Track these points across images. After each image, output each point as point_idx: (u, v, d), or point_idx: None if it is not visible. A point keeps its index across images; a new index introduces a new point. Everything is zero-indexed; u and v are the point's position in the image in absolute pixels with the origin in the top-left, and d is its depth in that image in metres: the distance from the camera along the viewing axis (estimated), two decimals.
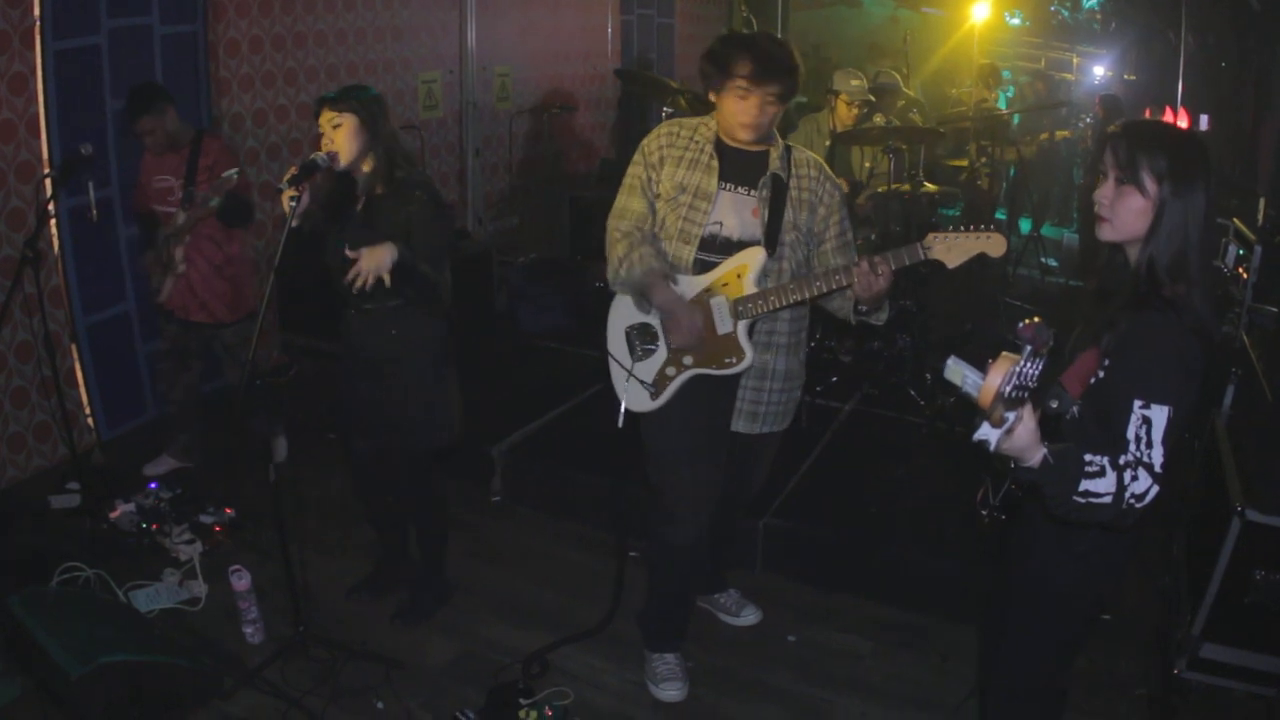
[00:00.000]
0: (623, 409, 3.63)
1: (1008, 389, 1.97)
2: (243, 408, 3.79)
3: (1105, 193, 2.36)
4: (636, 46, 10.50)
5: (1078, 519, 2.21)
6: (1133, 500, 2.14)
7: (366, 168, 3.71)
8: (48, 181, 4.71)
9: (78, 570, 4.20)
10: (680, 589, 3.91)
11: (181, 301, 5.01)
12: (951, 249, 3.13)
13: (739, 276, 3.42)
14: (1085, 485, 2.13)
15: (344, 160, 3.63)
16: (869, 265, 3.18)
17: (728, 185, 3.46)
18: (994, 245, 3.11)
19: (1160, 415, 2.17)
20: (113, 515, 4.71)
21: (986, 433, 2.06)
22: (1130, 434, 2.18)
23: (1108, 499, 2.13)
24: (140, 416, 5.92)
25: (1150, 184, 2.28)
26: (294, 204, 3.47)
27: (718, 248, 3.46)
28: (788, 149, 3.53)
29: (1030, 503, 2.54)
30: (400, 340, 3.80)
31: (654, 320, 3.56)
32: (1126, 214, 2.34)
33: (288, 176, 3.48)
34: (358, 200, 3.76)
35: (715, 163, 3.46)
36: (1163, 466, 2.16)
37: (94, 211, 4.75)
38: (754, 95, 3.31)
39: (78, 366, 5.49)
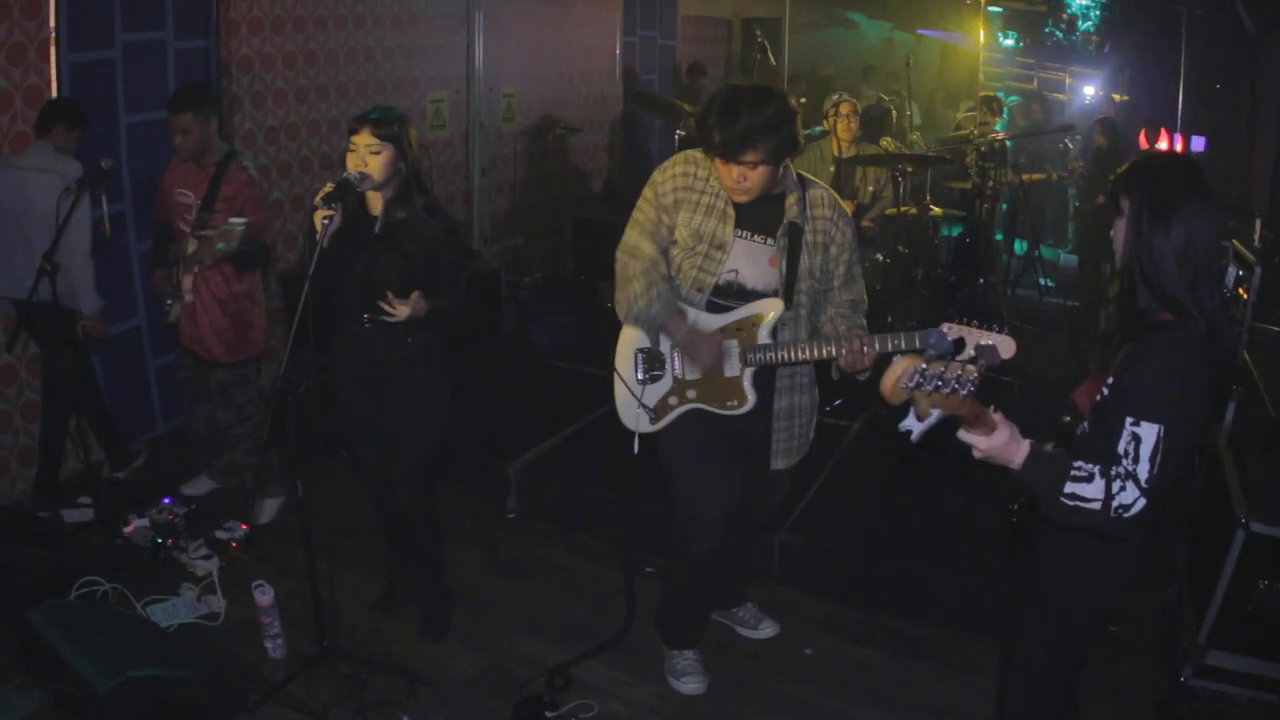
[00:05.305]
0: (636, 435, 3.64)
1: (908, 384, 2.09)
2: (273, 421, 3.75)
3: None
4: (639, 68, 10.55)
5: (1068, 523, 2.32)
6: (1120, 510, 2.25)
7: (390, 192, 3.73)
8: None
9: (96, 584, 4.20)
10: (697, 598, 3.97)
11: (187, 330, 4.88)
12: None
13: (754, 325, 3.45)
14: (1071, 488, 2.24)
15: (375, 180, 3.65)
16: (857, 345, 3.27)
17: (744, 234, 3.44)
18: (1004, 346, 2.91)
19: (1149, 432, 2.26)
20: (126, 530, 4.69)
21: (910, 423, 2.18)
22: (1120, 449, 2.28)
23: (1096, 504, 2.24)
24: (151, 430, 5.91)
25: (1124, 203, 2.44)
26: (327, 223, 3.47)
27: (734, 294, 3.47)
28: (803, 189, 3.48)
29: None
30: (415, 347, 3.82)
31: (664, 348, 3.58)
32: (1117, 236, 2.49)
33: (322, 195, 3.48)
34: (373, 220, 3.77)
35: (731, 210, 3.42)
36: (1149, 481, 2.25)
37: (107, 225, 4.75)
38: (732, 165, 3.27)
39: None
